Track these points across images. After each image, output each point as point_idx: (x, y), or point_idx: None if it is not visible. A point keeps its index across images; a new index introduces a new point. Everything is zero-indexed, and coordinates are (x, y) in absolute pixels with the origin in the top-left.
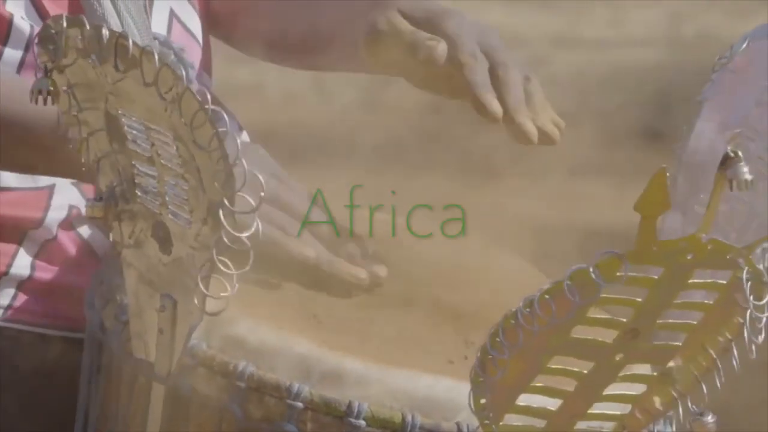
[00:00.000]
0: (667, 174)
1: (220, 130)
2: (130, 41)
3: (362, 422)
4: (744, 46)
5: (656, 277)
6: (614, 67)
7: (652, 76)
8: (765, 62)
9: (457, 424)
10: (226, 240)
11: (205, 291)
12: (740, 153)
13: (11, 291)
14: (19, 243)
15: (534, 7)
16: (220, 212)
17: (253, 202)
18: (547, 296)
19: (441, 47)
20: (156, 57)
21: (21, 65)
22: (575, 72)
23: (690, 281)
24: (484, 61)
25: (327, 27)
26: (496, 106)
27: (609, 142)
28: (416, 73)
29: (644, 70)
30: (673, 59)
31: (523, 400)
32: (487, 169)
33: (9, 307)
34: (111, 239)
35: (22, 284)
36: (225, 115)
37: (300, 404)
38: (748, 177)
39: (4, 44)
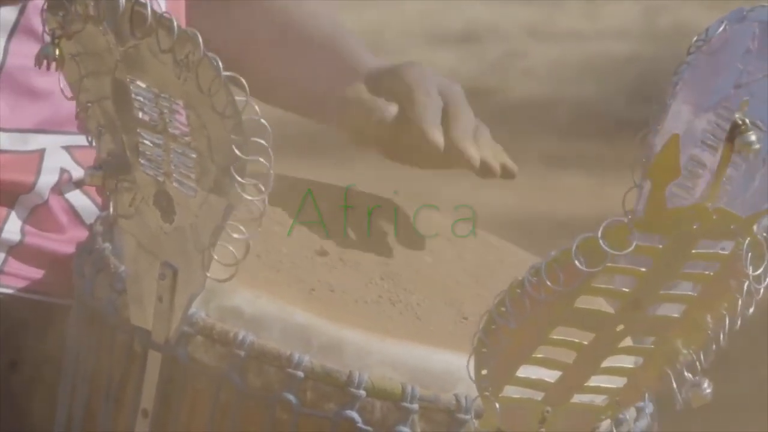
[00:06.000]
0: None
1: (236, 98)
2: (149, 8)
3: (362, 392)
4: (720, 29)
5: (661, 246)
6: (590, 58)
7: (628, 68)
8: (741, 45)
9: (455, 395)
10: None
11: (210, 258)
12: (748, 121)
13: (1, 255)
14: (11, 207)
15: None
16: (234, 178)
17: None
18: (555, 264)
19: (391, 108)
20: (175, 24)
21: (15, 26)
22: (551, 63)
23: (693, 251)
24: (439, 101)
25: (309, 96)
26: (437, 136)
27: (584, 133)
28: (384, 142)
29: (620, 61)
30: (648, 51)
31: (523, 372)
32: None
33: None
34: (110, 207)
35: (12, 249)
36: (244, 83)
37: (300, 374)
38: (756, 145)
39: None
